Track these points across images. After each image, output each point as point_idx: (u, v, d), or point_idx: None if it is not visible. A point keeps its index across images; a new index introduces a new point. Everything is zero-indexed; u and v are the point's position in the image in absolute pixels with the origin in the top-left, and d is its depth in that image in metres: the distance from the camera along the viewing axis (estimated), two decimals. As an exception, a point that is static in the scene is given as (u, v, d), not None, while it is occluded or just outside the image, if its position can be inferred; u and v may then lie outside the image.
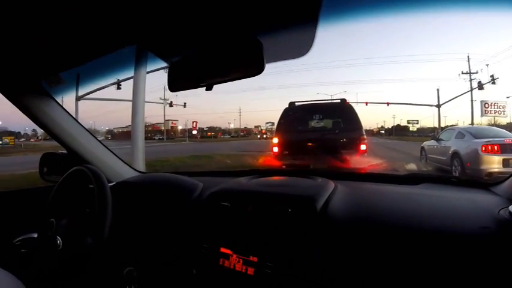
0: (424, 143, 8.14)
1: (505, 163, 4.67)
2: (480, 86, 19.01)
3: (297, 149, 4.84)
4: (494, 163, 4.83)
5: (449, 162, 5.95)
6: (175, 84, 0.93)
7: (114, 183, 1.26)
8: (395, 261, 0.72)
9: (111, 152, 1.40)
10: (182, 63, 0.93)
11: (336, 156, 4.38)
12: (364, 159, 4.76)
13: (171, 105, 24.20)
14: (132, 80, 6.18)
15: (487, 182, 1.05)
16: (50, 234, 0.93)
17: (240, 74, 0.81)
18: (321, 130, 5.32)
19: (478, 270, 0.64)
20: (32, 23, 0.73)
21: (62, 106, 1.22)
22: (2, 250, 1.11)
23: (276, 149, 5.03)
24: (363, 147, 4.76)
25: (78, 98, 14.53)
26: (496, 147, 4.92)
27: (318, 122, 5.56)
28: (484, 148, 5.01)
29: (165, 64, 1.08)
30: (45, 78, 1.15)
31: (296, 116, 5.38)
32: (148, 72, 5.49)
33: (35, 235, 0.97)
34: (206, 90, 0.86)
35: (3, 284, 0.85)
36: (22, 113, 1.14)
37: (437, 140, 7.15)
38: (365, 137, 4.97)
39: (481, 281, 0.63)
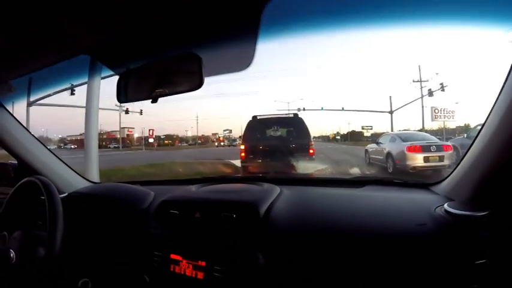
0: (367, 146, 9.42)
1: (426, 159, 6.25)
2: (430, 93, 19.81)
3: (260, 153, 6.22)
4: (417, 159, 6.32)
5: (385, 161, 7.39)
6: (123, 95, 0.96)
7: (66, 194, 1.24)
8: (336, 259, 0.78)
9: (63, 162, 1.37)
10: (130, 76, 0.95)
11: (290, 157, 5.78)
12: (317, 164, 5.90)
13: (127, 112, 22.97)
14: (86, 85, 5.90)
15: (427, 182, 1.09)
16: (3, 248, 0.90)
17: (181, 88, 0.86)
18: (278, 138, 6.69)
19: (413, 263, 0.72)
20: None
21: (12, 114, 1.18)
22: None
23: (243, 154, 6.33)
24: (311, 151, 6.21)
25: (29, 104, 13.21)
26: (418, 148, 6.44)
27: (275, 132, 6.88)
28: (408, 149, 6.49)
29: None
30: None
31: (258, 127, 6.82)
32: (103, 78, 5.26)
33: None
34: (152, 102, 0.89)
35: None
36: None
37: (377, 143, 8.46)
38: (312, 143, 6.47)
39: (416, 271, 0.71)
